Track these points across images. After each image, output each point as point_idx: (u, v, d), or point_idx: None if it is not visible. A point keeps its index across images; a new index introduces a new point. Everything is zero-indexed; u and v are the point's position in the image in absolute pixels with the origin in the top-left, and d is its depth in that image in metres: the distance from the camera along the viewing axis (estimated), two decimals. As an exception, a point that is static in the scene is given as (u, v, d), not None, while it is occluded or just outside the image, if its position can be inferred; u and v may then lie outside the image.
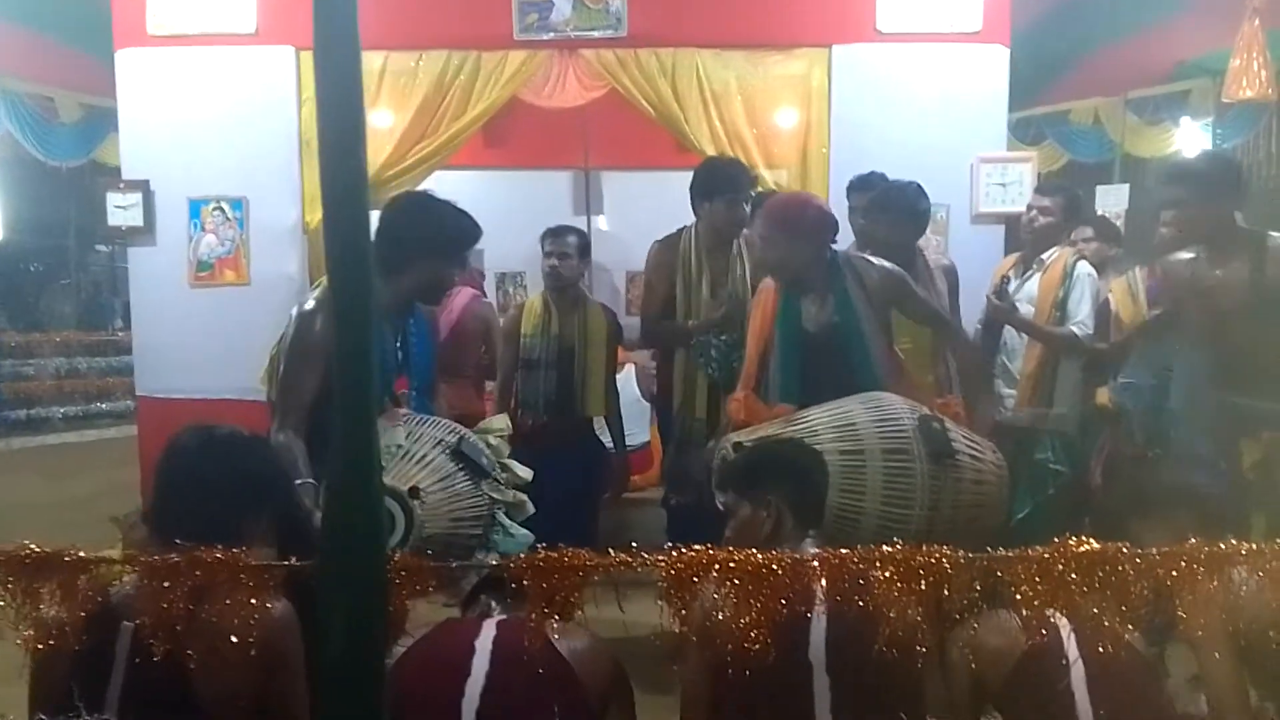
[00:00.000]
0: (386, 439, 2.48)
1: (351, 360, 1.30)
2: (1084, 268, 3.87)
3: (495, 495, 2.56)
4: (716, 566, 1.46)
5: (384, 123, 4.98)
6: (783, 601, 1.47)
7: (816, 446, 2.53)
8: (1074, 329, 3.76)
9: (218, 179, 4.97)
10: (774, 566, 1.46)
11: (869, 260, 3.13)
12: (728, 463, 2.46)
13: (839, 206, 4.32)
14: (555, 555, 1.53)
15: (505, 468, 2.68)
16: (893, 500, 2.53)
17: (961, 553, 1.50)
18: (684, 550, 1.50)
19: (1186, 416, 3.19)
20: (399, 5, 4.94)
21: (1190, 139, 7.68)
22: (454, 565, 1.55)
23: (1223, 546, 1.56)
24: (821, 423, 2.65)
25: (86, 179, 7.97)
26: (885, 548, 1.50)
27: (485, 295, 4.93)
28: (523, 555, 1.58)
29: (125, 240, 5.08)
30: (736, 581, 1.45)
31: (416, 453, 2.50)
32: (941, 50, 4.90)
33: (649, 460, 5.53)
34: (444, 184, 7.30)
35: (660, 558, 1.51)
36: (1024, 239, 4.06)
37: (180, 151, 4.96)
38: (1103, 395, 3.73)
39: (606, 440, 4.17)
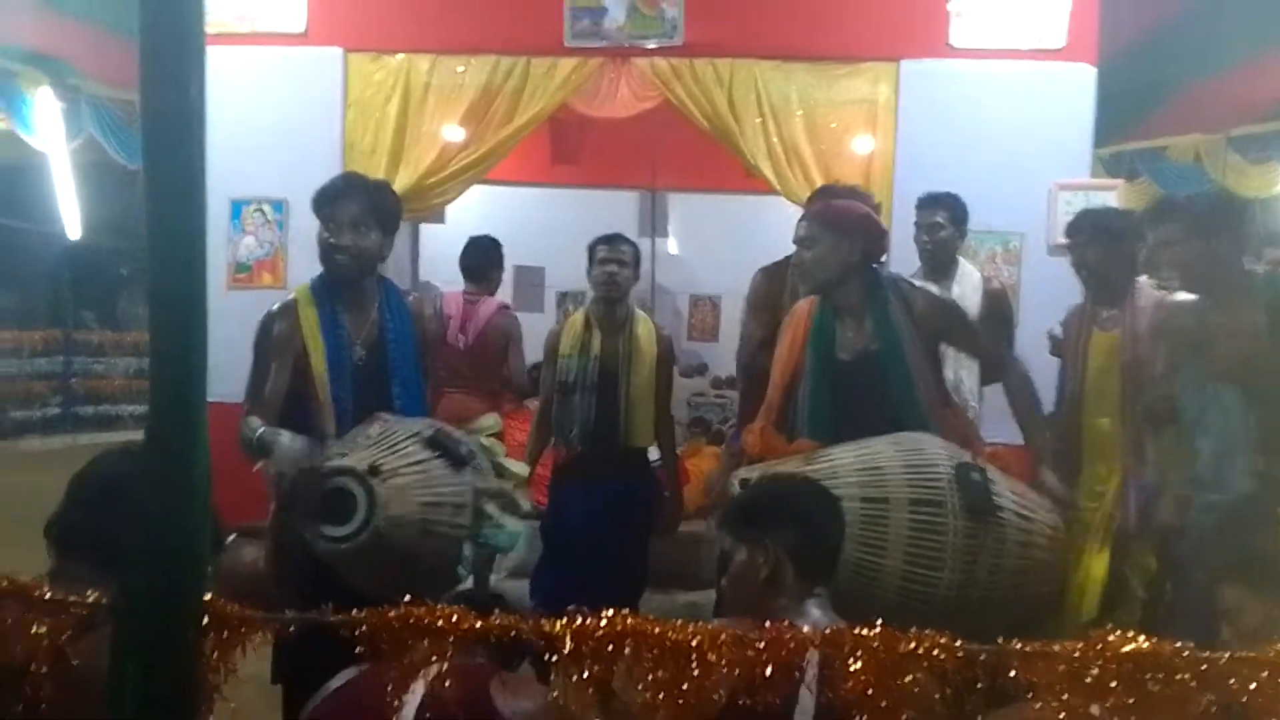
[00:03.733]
0: (355, 432, 2.46)
1: (169, 357, 1.07)
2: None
3: (480, 485, 2.45)
4: (629, 640, 1.17)
5: (428, 128, 4.82)
6: (714, 686, 1.16)
7: (835, 491, 2.21)
8: None
9: (260, 180, 4.87)
10: (702, 643, 1.16)
11: (915, 284, 2.81)
12: (727, 502, 2.16)
13: (904, 231, 4.01)
14: (417, 613, 1.24)
15: (500, 468, 2.57)
16: (918, 559, 2.19)
17: (961, 643, 1.18)
18: (587, 617, 1.20)
19: (1218, 480, 2.78)
20: (448, 8, 4.81)
21: (1300, 180, 7.14)
22: (287, 616, 1.28)
23: (1321, 653, 1.21)
24: (844, 464, 2.33)
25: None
26: (860, 630, 1.19)
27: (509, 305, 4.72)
28: (375, 612, 1.28)
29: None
30: (650, 661, 1.16)
31: (386, 442, 2.40)
32: (1021, 68, 4.55)
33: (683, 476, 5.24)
34: (509, 199, 7.29)
35: (557, 625, 1.21)
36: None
37: (224, 150, 4.87)
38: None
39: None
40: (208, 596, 1.21)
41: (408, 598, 1.32)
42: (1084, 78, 4.54)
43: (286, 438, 2.39)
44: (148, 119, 1.16)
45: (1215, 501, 2.69)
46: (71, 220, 8.17)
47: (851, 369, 2.67)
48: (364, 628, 1.25)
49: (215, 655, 1.19)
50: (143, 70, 1.17)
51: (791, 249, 3.66)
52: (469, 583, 3.54)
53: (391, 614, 1.25)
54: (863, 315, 2.69)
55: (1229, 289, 2.80)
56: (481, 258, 4.59)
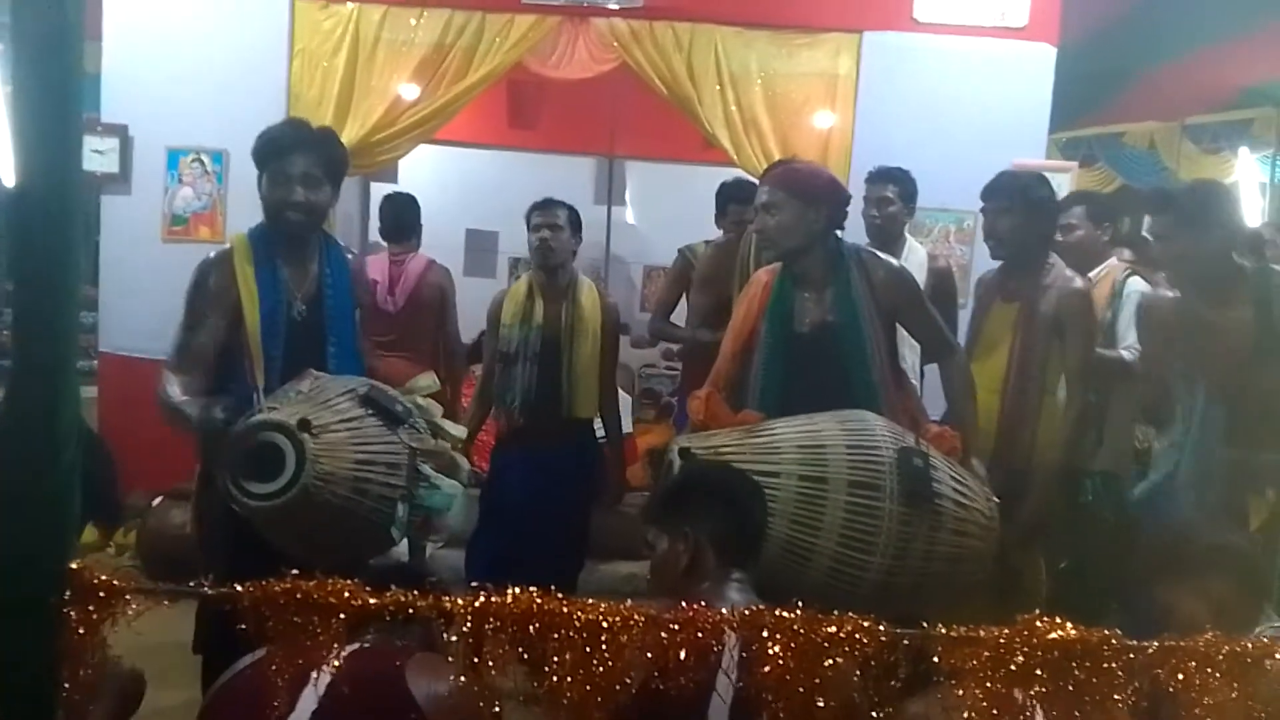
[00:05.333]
0: (286, 388, 2.38)
1: (33, 303, 0.97)
2: (1136, 284, 3.44)
3: (415, 444, 2.38)
4: (535, 620, 1.10)
5: (377, 82, 4.67)
6: (625, 669, 1.11)
7: (775, 466, 2.17)
8: (1124, 353, 3.32)
9: (199, 129, 4.69)
10: (614, 622, 1.10)
11: (878, 255, 2.74)
12: (649, 498, 2.12)
13: (859, 206, 3.97)
14: (306, 587, 1.17)
15: (436, 429, 2.50)
16: (852, 541, 2.15)
17: (884, 626, 1.13)
18: (490, 594, 1.13)
19: (1194, 470, 2.77)
20: (401, -43, 4.65)
21: (1249, 171, 7.24)
22: (161, 588, 1.20)
23: (1249, 644, 1.18)
24: (786, 439, 2.27)
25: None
26: (780, 611, 1.14)
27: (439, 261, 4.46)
28: (260, 586, 1.19)
29: (99, 188, 4.82)
30: (557, 642, 1.09)
31: (319, 397, 2.31)
32: (983, 45, 4.52)
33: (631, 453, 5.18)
34: (464, 161, 7.13)
35: (458, 602, 1.14)
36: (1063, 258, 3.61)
37: (163, 98, 4.69)
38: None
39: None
40: (74, 564, 1.12)
41: (298, 570, 1.23)
42: (1044, 58, 4.52)
43: (199, 410, 2.28)
44: (18, 39, 1.05)
45: (1186, 496, 2.69)
46: (7, 166, 7.89)
47: (808, 341, 2.60)
48: (247, 603, 1.16)
49: (81, 629, 1.09)
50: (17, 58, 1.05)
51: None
52: (404, 549, 3.47)
53: (279, 589, 1.17)
54: (824, 286, 2.61)
55: (1218, 284, 2.75)
56: (402, 215, 4.36)
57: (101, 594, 1.10)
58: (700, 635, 1.14)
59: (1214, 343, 2.73)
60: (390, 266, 4.24)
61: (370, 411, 2.34)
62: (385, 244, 4.41)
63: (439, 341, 4.28)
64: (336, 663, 1.47)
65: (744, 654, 1.18)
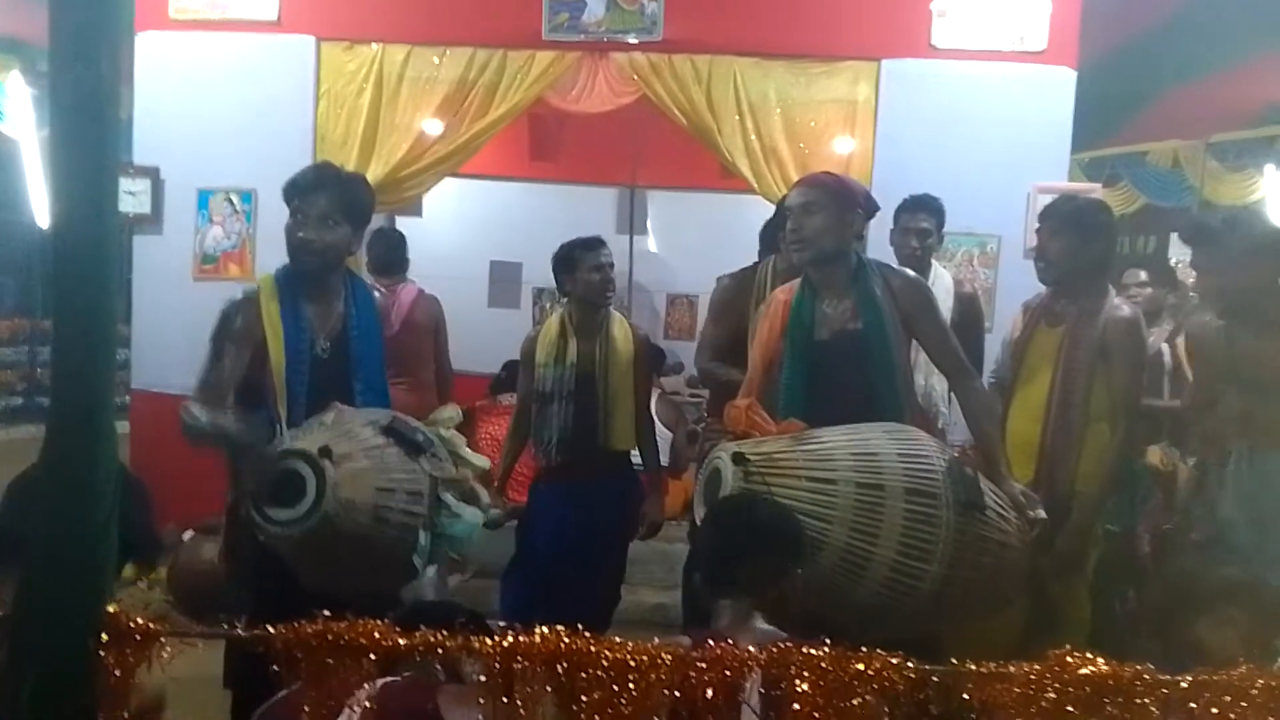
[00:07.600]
0: (311, 420, 2.42)
1: (71, 353, 0.99)
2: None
3: (436, 473, 2.42)
4: (564, 660, 1.10)
5: (401, 120, 4.74)
6: (653, 708, 1.10)
7: (832, 473, 2.18)
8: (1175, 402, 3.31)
9: (229, 170, 4.79)
10: (642, 661, 1.10)
11: (892, 266, 2.77)
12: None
13: (878, 233, 3.96)
14: (337, 629, 1.18)
15: (458, 459, 2.55)
16: (910, 550, 2.15)
17: (913, 663, 1.13)
18: (519, 634, 1.14)
19: (1237, 501, 2.73)
20: (424, -1, 4.74)
21: (1275, 187, 7.17)
22: (195, 630, 1.21)
23: (1286, 677, 1.16)
24: (838, 446, 2.28)
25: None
26: (808, 649, 1.13)
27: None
28: (292, 628, 1.21)
29: (131, 228, 4.91)
30: (585, 681, 1.10)
31: (341, 427, 2.35)
32: (1002, 70, 4.52)
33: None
34: (487, 194, 7.22)
35: (486, 643, 1.15)
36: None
37: (193, 139, 4.79)
38: (1154, 455, 3.28)
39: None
40: (111, 608, 1.13)
41: (329, 611, 1.24)
42: (1064, 81, 4.52)
43: (231, 423, 2.31)
44: (56, 88, 1.07)
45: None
46: (42, 209, 8.04)
47: (830, 349, 2.60)
48: (279, 644, 1.17)
49: (117, 671, 1.11)
50: (51, 42, 1.08)
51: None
52: (428, 582, 3.46)
53: (310, 630, 1.18)
54: (845, 294, 2.62)
55: (1263, 311, 2.73)
56: (394, 251, 4.40)
57: (137, 637, 1.12)
58: (728, 674, 1.14)
59: (1257, 373, 2.71)
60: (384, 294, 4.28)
61: (392, 441, 2.38)
62: (373, 277, 4.43)
63: (432, 370, 4.29)
64: (369, 698, 1.47)
65: (774, 691, 1.17)
